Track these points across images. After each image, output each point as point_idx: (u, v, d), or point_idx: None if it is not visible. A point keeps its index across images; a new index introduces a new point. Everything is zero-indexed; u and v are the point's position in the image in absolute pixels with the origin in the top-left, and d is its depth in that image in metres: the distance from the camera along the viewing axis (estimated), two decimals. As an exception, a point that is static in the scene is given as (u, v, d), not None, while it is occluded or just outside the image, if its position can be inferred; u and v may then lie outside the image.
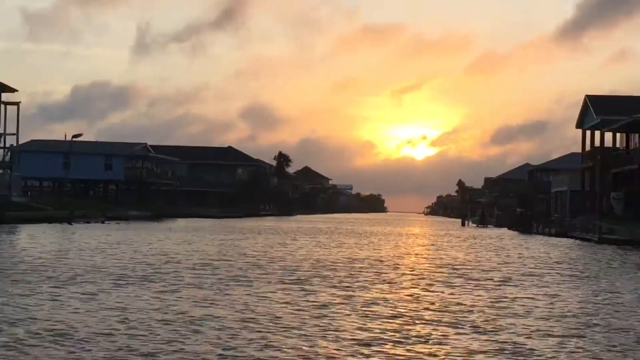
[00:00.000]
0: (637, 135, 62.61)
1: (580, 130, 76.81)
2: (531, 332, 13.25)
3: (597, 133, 70.80)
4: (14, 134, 63.11)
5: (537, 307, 16.72)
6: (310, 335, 12.36)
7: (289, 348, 11.27)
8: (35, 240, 35.82)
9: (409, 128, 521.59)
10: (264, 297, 17.12)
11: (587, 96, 74.67)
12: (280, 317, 14.23)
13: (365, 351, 11.26)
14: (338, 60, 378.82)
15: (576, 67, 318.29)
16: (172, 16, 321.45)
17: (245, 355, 10.68)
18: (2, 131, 60.87)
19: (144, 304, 15.44)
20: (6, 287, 17.43)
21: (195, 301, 16.13)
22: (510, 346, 11.84)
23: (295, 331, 12.75)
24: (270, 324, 13.43)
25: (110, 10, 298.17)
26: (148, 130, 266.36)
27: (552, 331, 13.43)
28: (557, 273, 26.14)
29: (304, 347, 11.36)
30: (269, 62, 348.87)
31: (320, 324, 13.56)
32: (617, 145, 68.85)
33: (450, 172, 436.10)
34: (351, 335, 12.47)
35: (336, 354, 11.02)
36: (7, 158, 63.63)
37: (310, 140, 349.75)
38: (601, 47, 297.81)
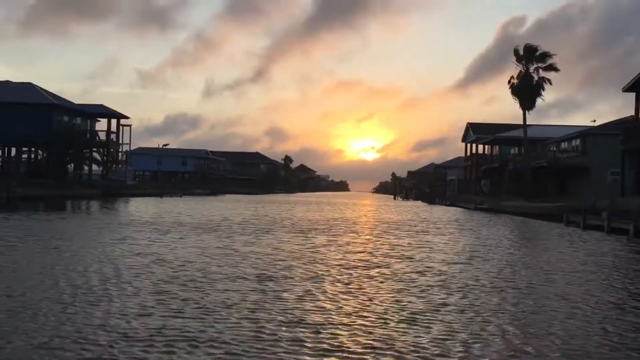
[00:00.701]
0: (497, 147, 62.96)
1: (464, 144, 77.22)
2: (440, 261, 13.29)
3: (474, 145, 71.23)
4: (127, 144, 62.81)
5: (442, 246, 16.71)
6: (311, 262, 12.37)
7: (300, 270, 11.27)
8: (142, 207, 35.58)
9: (364, 141, 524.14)
10: (283, 241, 17.04)
11: (469, 123, 74.79)
12: (294, 252, 14.23)
13: (345, 272, 11.27)
14: (323, 101, 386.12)
15: (464, 106, 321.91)
16: (226, 74, 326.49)
17: (274, 274, 10.65)
18: (121, 142, 60.40)
19: (211, 244, 15.32)
20: (131, 234, 17.38)
21: (242, 242, 16.05)
22: (429, 269, 11.90)
23: (303, 260, 12.74)
24: (288, 256, 13.40)
25: (189, 70, 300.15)
26: (209, 142, 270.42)
27: (452, 260, 13.47)
28: (452, 226, 26.19)
29: (309, 269, 11.37)
30: (283, 101, 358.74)
31: (317, 256, 13.51)
32: (485, 152, 69.25)
33: (388, 167, 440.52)
34: (336, 263, 12.50)
35: (327, 272, 11.03)
36: (124, 158, 63.34)
37: (305, 149, 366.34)
38: (479, 94, 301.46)
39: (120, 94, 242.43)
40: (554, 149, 50.55)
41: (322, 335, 6.39)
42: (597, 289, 10.05)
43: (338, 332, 6.58)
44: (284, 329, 6.61)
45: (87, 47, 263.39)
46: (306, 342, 6.12)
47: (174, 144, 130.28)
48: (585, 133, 45.57)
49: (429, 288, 9.57)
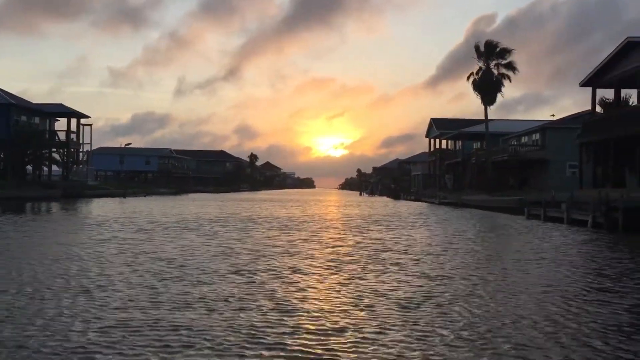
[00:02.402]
0: (460, 142, 64.46)
1: (427, 139, 78.67)
2: (419, 251, 13.92)
3: (438, 140, 72.66)
4: (88, 143, 61.42)
5: (417, 239, 17.27)
6: (296, 257, 12.70)
7: (285, 265, 11.58)
8: (108, 207, 34.66)
9: (333, 138, 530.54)
10: (266, 237, 17.25)
11: (432, 119, 76.21)
12: (280, 246, 14.67)
13: (331, 264, 11.66)
14: (295, 99, 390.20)
15: (434, 103, 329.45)
16: (198, 73, 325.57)
17: (259, 268, 10.99)
18: (82, 141, 59.05)
19: (197, 242, 15.40)
20: (112, 233, 17.19)
21: (227, 239, 16.17)
22: (410, 259, 12.47)
23: (287, 255, 13.02)
24: (274, 251, 13.71)
25: (162, 69, 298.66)
26: (177, 141, 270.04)
27: (428, 251, 14.10)
28: (420, 220, 26.78)
29: (295, 265, 11.68)
30: (254, 99, 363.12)
31: (301, 251, 13.80)
32: (449, 147, 70.70)
33: (355, 164, 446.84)
34: (321, 257, 12.91)
35: (313, 266, 11.40)
36: (85, 158, 61.96)
37: (274, 146, 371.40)
38: (449, 91, 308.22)
39: (89, 93, 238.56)
40: (515, 143, 52.31)
41: (326, 320, 6.89)
42: (565, 274, 10.90)
43: (343, 317, 7.09)
44: (288, 314, 7.10)
45: (57, 46, 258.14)
46: (309, 325, 6.63)
47: (141, 143, 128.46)
48: (544, 127, 47.36)
49: (412, 278, 10.21)
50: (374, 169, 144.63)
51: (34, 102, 56.83)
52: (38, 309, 7.33)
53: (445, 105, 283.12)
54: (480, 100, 48.70)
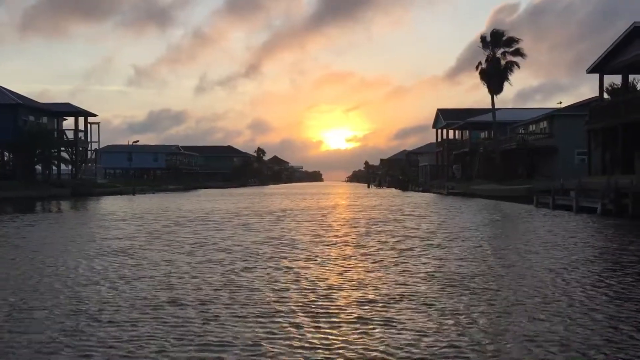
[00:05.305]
0: (467, 131, 64.21)
1: (434, 130, 78.35)
2: (427, 238, 13.97)
3: (445, 131, 72.35)
4: (96, 142, 61.81)
5: (426, 227, 17.30)
6: (344, 244, 12.74)
7: (298, 251, 11.79)
8: (121, 204, 34.31)
9: (347, 131, 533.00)
10: (300, 227, 17.80)
11: (438, 109, 75.82)
12: (320, 235, 15.04)
13: (370, 250, 11.80)
14: (311, 93, 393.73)
15: (450, 94, 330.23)
16: (220, 70, 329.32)
17: (270, 254, 11.10)
18: (90, 140, 59.42)
19: (240, 233, 15.78)
20: (123, 226, 17.45)
21: (268, 230, 16.19)
22: (420, 243, 12.50)
23: (299, 245, 13.11)
24: (317, 240, 13.81)
25: (184, 67, 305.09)
26: (191, 137, 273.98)
27: (436, 238, 14.11)
28: (430, 210, 26.81)
29: (307, 252, 11.82)
30: (271, 94, 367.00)
31: (315, 240, 13.98)
32: (456, 137, 70.45)
33: (365, 156, 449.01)
34: (361, 243, 12.97)
35: (329, 252, 11.52)
36: (93, 156, 62.45)
37: (286, 140, 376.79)
38: (466, 82, 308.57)
39: (111, 92, 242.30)
40: (523, 131, 52.01)
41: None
42: (579, 262, 11.05)
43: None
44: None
45: (83, 47, 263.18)
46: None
47: (156, 140, 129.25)
48: (552, 115, 47.05)
49: (452, 260, 10.40)
50: (382, 160, 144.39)
51: (58, 102, 57.57)
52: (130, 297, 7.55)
53: (462, 95, 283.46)
54: (500, 90, 48.30)
